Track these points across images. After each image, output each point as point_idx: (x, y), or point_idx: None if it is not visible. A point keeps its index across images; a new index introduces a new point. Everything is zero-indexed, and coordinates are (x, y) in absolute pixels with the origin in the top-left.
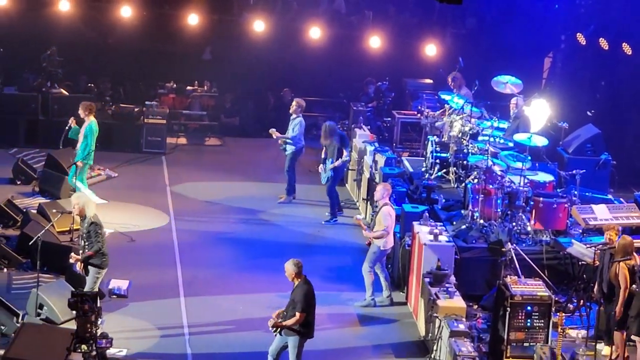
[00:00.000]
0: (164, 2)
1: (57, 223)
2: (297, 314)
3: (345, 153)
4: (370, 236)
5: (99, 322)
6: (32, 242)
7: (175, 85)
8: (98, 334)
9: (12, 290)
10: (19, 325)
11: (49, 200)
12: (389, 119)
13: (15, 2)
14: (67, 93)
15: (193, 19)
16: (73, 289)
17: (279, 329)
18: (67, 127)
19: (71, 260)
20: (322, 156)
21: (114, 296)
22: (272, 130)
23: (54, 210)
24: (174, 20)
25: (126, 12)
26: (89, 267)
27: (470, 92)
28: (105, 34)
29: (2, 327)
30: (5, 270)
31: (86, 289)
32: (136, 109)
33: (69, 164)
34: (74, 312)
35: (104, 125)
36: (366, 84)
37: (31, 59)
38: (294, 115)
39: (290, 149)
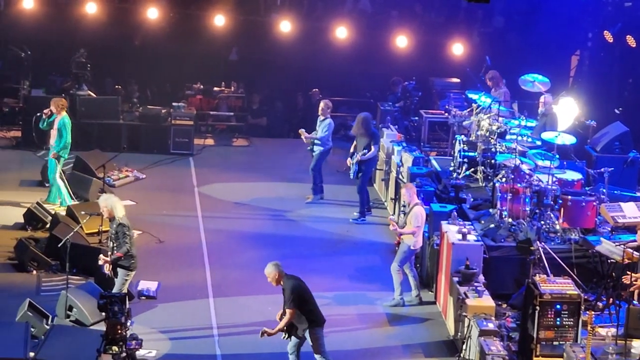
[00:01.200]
0: (190, 3)
1: (85, 225)
2: (287, 312)
3: (373, 148)
4: (399, 232)
5: (128, 324)
6: (61, 244)
7: (202, 87)
8: (128, 336)
9: (41, 293)
10: (48, 327)
11: (77, 202)
12: (417, 118)
13: (42, 4)
14: (94, 95)
15: (219, 20)
16: (102, 291)
17: (286, 333)
18: (38, 114)
19: (100, 262)
20: (351, 150)
21: (143, 297)
22: (301, 131)
23: (83, 212)
24: (201, 21)
25: (153, 14)
26: (118, 268)
27: (507, 91)
28: (132, 35)
29: (32, 329)
30: (34, 272)
31: (114, 290)
32: (163, 111)
33: (97, 165)
34: (104, 313)
35: (132, 127)
36: (393, 83)
37: (58, 61)
38: (322, 117)
39: (318, 149)
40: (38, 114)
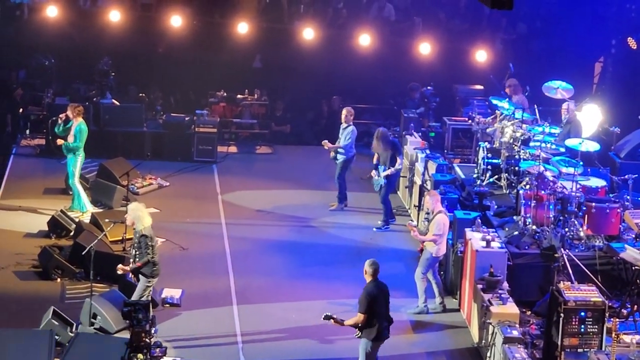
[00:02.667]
0: (214, 11)
1: (109, 232)
2: (358, 315)
3: (398, 161)
4: (420, 239)
5: (152, 331)
6: (85, 251)
7: (225, 94)
8: (152, 343)
9: (65, 300)
10: (72, 335)
11: (101, 210)
12: (437, 124)
13: (66, 12)
14: (117, 103)
15: (243, 28)
16: (126, 299)
17: (360, 331)
18: (53, 119)
19: (119, 272)
20: (374, 162)
21: (167, 305)
22: (325, 142)
23: (107, 220)
24: (224, 28)
25: (176, 22)
26: (140, 275)
27: (525, 98)
28: (155, 43)
29: (56, 337)
30: (58, 280)
31: (134, 297)
32: (187, 118)
33: (121, 173)
34: (128, 321)
35: (155, 135)
36: (411, 89)
37: (82, 70)
38: (344, 124)
39: (341, 157)
40: (54, 118)
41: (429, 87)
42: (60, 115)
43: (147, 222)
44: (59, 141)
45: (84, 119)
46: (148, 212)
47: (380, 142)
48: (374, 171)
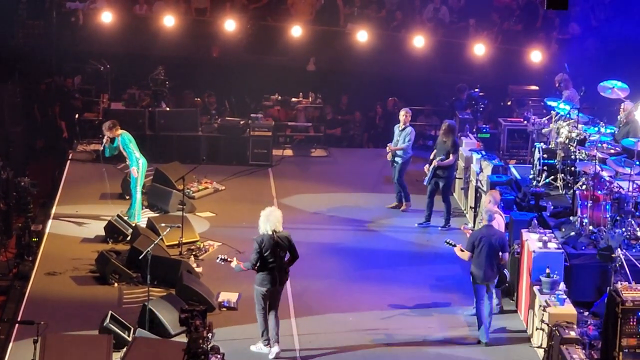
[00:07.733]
0: (267, 14)
1: (166, 237)
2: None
3: (451, 157)
4: None
5: (209, 337)
6: (142, 256)
7: (280, 97)
8: (209, 348)
9: (123, 305)
10: (131, 339)
11: (157, 215)
12: (486, 126)
13: (120, 17)
14: (167, 108)
15: (297, 31)
16: (183, 303)
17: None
18: (99, 150)
19: (220, 259)
20: (431, 157)
21: (223, 309)
22: (389, 145)
23: (163, 224)
24: (278, 32)
25: (230, 26)
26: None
27: (577, 93)
28: (209, 47)
29: (115, 341)
30: (116, 284)
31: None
32: (242, 122)
33: (176, 178)
34: (185, 327)
35: (210, 139)
36: (459, 90)
37: (137, 75)
38: (402, 126)
39: (399, 160)
40: (100, 150)
41: (476, 89)
42: (103, 141)
43: (264, 229)
44: (134, 172)
45: (123, 130)
46: (272, 217)
47: (446, 133)
48: (426, 165)
